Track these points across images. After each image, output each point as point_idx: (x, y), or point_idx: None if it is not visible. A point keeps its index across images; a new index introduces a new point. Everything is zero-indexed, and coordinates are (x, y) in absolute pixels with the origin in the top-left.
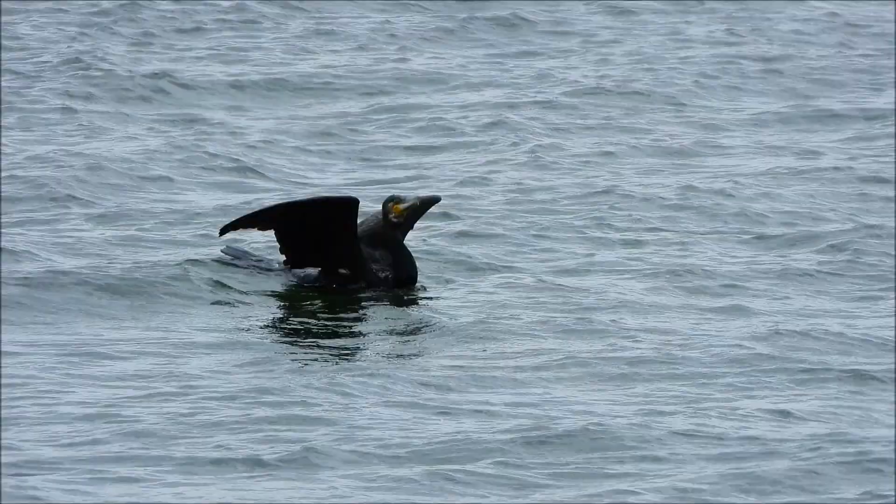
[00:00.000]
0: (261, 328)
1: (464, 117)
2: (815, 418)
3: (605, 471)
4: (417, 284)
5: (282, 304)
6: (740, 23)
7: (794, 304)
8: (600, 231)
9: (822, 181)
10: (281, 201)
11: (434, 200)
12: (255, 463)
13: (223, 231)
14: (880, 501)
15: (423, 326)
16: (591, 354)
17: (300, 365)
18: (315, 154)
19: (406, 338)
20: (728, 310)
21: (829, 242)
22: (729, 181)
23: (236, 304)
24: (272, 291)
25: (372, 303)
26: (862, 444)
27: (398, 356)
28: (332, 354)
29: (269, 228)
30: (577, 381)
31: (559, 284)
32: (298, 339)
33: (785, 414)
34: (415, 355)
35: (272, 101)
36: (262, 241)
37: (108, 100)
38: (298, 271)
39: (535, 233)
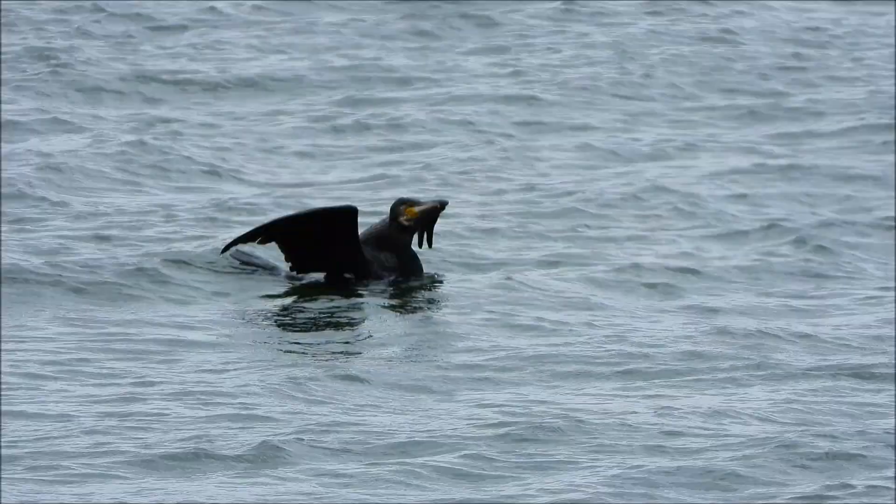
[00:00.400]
0: (234, 327)
1: (439, 116)
2: (776, 415)
3: (576, 464)
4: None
5: (256, 302)
6: (715, 22)
7: (760, 301)
8: (574, 230)
9: (792, 179)
10: (280, 216)
11: (445, 204)
12: (225, 460)
13: (225, 249)
14: (847, 492)
15: (398, 325)
16: (561, 352)
17: (270, 363)
18: (290, 154)
19: (378, 336)
20: (699, 308)
21: (799, 240)
22: (702, 179)
23: (213, 304)
24: (251, 290)
25: (350, 301)
26: (830, 438)
27: (369, 354)
28: (302, 352)
29: (270, 242)
30: (544, 379)
31: (532, 283)
32: (270, 338)
33: (745, 411)
34: (386, 353)
35: (247, 101)
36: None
37: (81, 98)
38: (304, 276)
39: (510, 231)
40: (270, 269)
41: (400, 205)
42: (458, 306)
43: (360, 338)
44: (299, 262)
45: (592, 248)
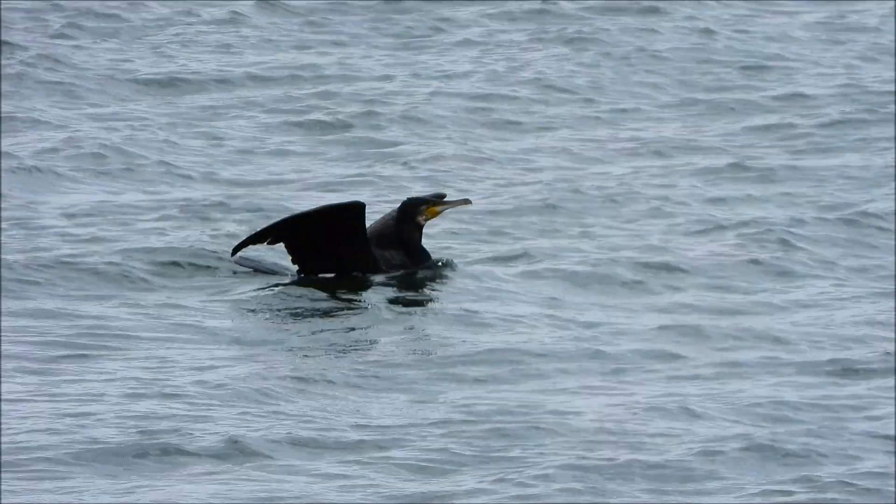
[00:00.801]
0: (207, 323)
1: (403, 114)
2: (748, 411)
3: (547, 457)
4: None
5: (233, 298)
6: (691, 21)
7: (734, 298)
8: (551, 228)
9: (769, 176)
10: (288, 215)
11: (469, 202)
12: (192, 457)
13: (234, 251)
14: (815, 485)
15: (370, 323)
16: (536, 349)
17: (236, 360)
18: (267, 153)
19: (352, 334)
20: (674, 306)
21: (775, 237)
22: (680, 177)
23: (185, 302)
24: (230, 286)
25: (332, 298)
26: (803, 434)
27: (340, 352)
28: (276, 350)
29: (278, 242)
30: (520, 375)
31: (508, 280)
32: (240, 335)
33: (718, 407)
34: (357, 350)
35: (224, 99)
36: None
37: (58, 97)
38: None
39: (480, 228)
40: (277, 273)
41: (420, 204)
42: (434, 303)
43: (333, 335)
44: (307, 263)
45: (569, 245)
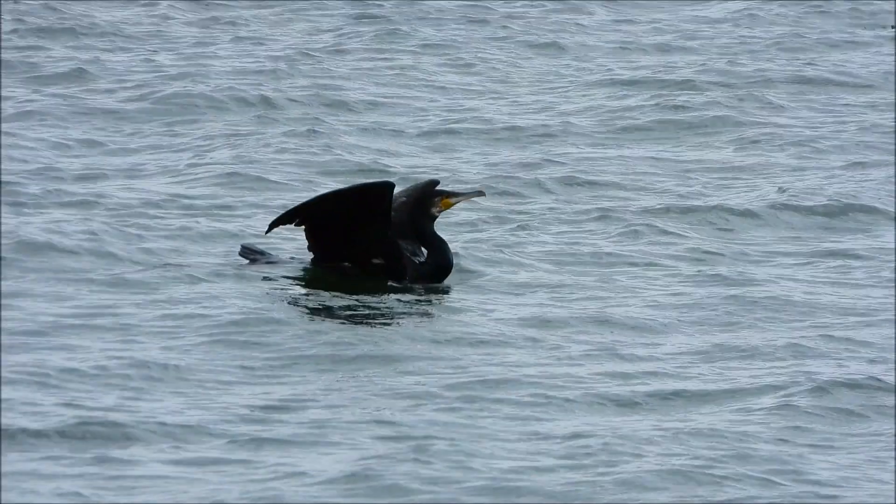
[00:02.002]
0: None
1: (370, 105)
2: (598, 392)
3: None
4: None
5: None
6: (608, 17)
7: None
8: (472, 214)
9: (629, 167)
10: (320, 193)
11: (483, 194)
12: (49, 439)
13: (269, 230)
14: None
15: (317, 309)
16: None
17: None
18: (218, 143)
19: (293, 319)
20: (538, 291)
21: (612, 225)
22: (583, 167)
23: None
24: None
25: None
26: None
27: (265, 335)
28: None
29: (306, 223)
30: (429, 361)
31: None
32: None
33: (570, 396)
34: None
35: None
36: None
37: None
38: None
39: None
40: (280, 263)
41: (434, 196)
42: (389, 289)
43: (267, 320)
44: (326, 250)
45: (488, 234)
